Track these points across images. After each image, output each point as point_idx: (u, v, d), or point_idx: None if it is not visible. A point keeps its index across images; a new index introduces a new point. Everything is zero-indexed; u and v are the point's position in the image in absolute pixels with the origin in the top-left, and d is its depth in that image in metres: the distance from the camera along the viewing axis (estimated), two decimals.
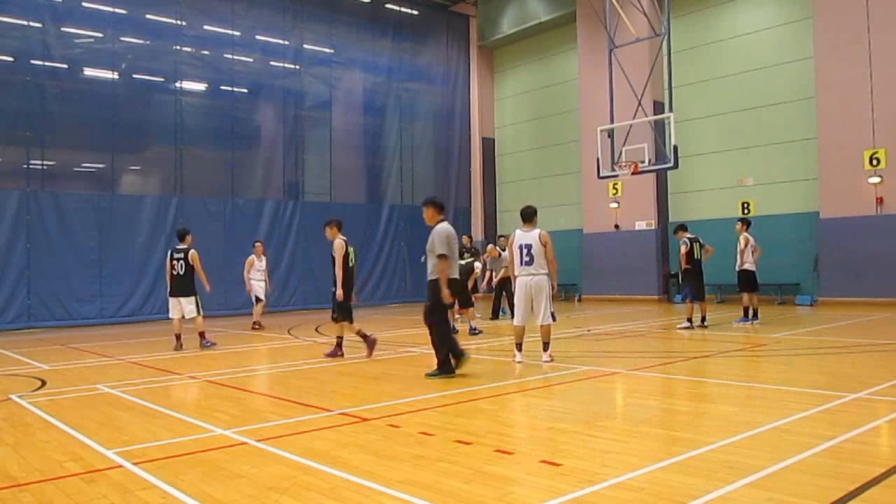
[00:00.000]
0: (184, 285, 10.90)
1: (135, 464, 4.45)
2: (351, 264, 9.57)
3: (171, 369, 9.00)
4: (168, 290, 11.12)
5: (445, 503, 3.59)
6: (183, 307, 10.88)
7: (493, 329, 13.15)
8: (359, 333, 9.56)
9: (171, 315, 11.08)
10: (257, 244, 14.93)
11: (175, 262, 10.91)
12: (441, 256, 7.55)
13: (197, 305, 10.93)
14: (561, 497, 3.61)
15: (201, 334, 11.04)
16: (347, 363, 9.20)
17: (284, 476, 4.11)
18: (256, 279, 14.61)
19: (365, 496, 3.73)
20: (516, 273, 8.48)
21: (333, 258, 9.41)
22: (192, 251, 10.97)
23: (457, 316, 12.54)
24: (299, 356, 10.05)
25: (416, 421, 5.50)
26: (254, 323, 14.64)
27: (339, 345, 9.67)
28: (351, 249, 9.63)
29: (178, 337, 10.95)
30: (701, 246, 12.39)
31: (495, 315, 14.92)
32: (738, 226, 12.92)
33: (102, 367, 9.58)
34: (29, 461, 4.61)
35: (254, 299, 14.69)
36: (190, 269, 10.91)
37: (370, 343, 9.49)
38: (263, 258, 14.82)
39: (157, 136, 18.50)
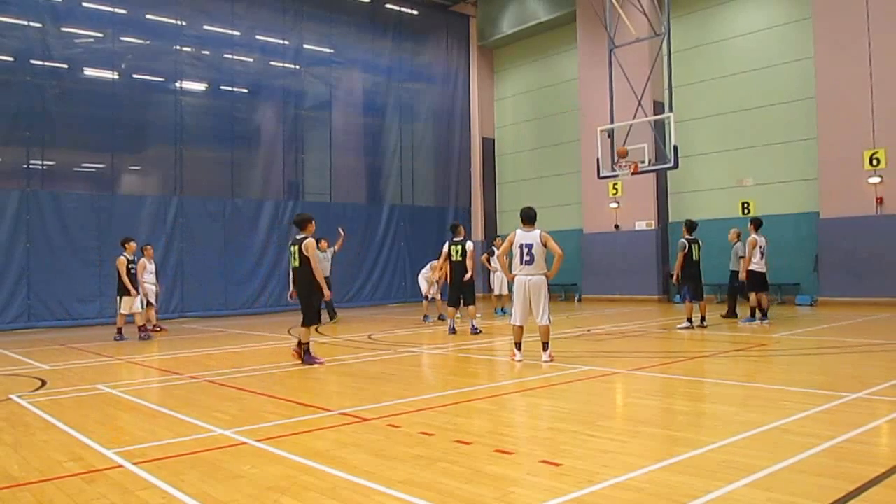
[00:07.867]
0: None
1: (135, 464, 4.45)
2: None
3: (171, 369, 9.00)
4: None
5: (445, 503, 3.59)
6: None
7: (493, 329, 13.14)
8: None
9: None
10: (148, 247, 14.48)
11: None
12: None
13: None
14: (561, 497, 3.61)
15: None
16: (347, 363, 9.20)
17: (284, 476, 4.11)
18: (149, 282, 14.22)
19: (365, 496, 3.73)
20: (514, 272, 8.60)
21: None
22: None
23: (457, 315, 12.55)
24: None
25: (416, 421, 5.50)
26: (154, 326, 14.14)
27: None
28: None
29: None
30: (699, 248, 12.40)
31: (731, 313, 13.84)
32: (749, 227, 12.79)
33: (102, 367, 9.58)
34: (29, 461, 4.61)
35: (145, 302, 13.89)
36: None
37: None
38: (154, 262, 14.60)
39: (157, 136, 18.46)
